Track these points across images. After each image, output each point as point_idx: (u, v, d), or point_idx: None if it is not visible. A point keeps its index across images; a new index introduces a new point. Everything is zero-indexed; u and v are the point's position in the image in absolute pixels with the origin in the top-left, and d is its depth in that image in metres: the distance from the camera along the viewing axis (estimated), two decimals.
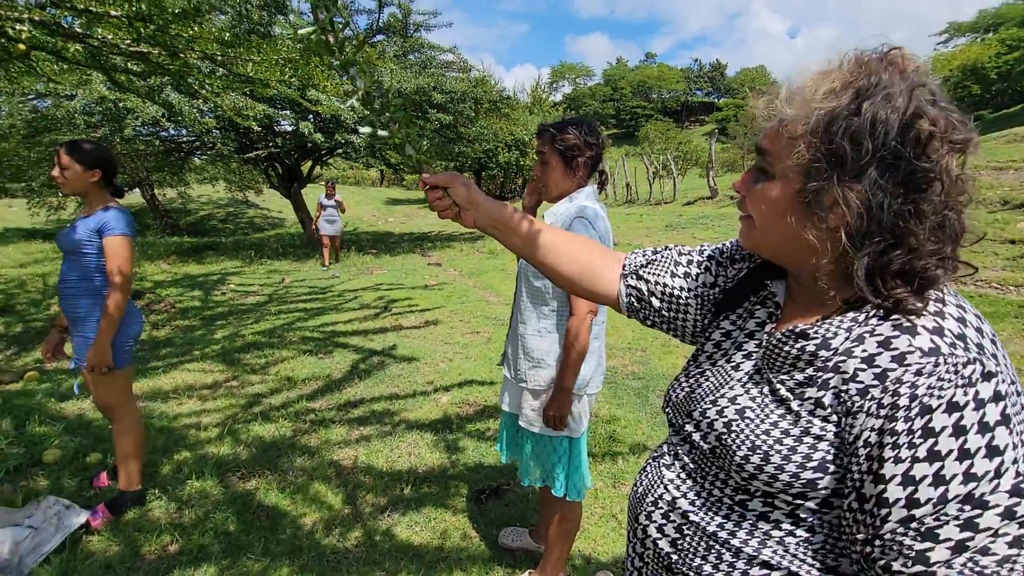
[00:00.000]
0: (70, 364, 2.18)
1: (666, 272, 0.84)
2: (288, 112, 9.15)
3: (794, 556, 0.61)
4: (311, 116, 8.97)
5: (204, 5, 5.99)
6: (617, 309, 0.89)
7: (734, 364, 0.71)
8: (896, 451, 0.51)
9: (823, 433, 0.58)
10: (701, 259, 0.84)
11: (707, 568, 0.66)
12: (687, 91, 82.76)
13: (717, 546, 0.65)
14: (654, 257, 0.88)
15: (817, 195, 0.58)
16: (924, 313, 0.55)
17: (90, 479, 2.48)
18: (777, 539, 0.62)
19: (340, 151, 10.62)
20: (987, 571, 0.48)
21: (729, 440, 0.64)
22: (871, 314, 0.58)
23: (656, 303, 0.84)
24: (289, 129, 9.74)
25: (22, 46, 3.90)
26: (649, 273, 0.86)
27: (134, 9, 3.71)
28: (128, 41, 3.76)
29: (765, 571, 0.62)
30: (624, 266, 0.89)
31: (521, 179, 25.17)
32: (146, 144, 9.29)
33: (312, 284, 7.53)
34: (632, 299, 0.87)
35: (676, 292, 0.83)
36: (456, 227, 15.73)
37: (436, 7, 9.74)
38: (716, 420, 0.67)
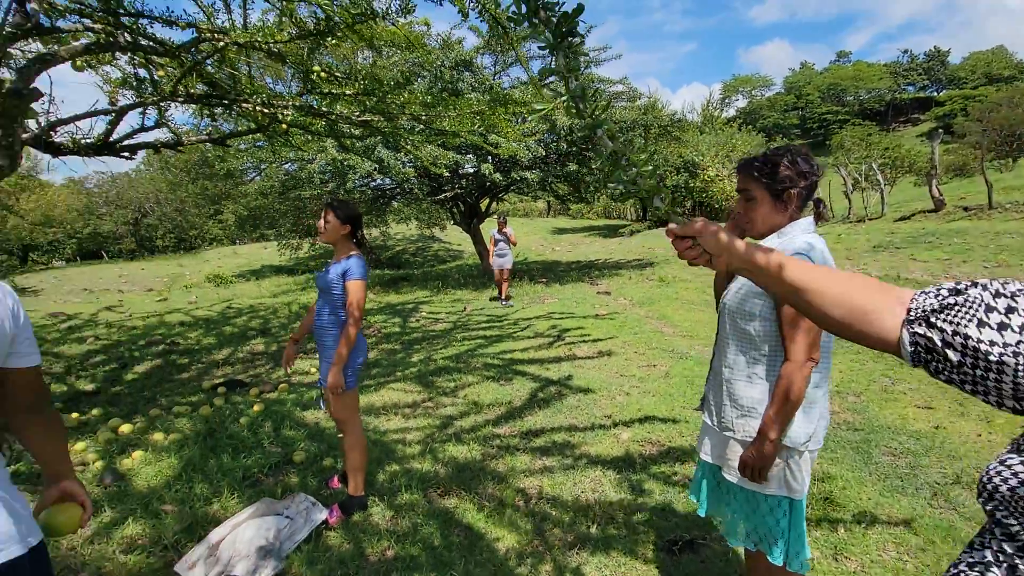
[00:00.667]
0: (317, 383, 2.62)
1: (971, 320, 0.67)
2: (470, 156, 10.13)
3: None
4: (490, 158, 9.79)
5: (410, 75, 6.93)
6: (899, 356, 0.75)
7: None
8: None
9: None
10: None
11: None
12: (894, 87, 70.91)
13: None
14: (954, 300, 0.70)
15: None
16: None
17: (326, 480, 2.94)
18: None
19: (515, 187, 11.35)
20: None
21: None
22: None
23: (954, 357, 0.67)
24: (470, 171, 10.77)
25: (284, 125, 4.97)
26: (945, 321, 0.69)
27: (361, 87, 4.50)
28: (357, 113, 4.56)
29: None
30: (910, 310, 0.74)
31: (690, 201, 23.94)
32: (360, 193, 11.07)
33: (490, 312, 8.07)
34: (919, 350, 0.72)
35: (985, 348, 0.65)
36: (623, 254, 15.54)
37: (602, 39, 9.97)
38: None
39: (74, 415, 3.99)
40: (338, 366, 2.40)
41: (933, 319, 0.70)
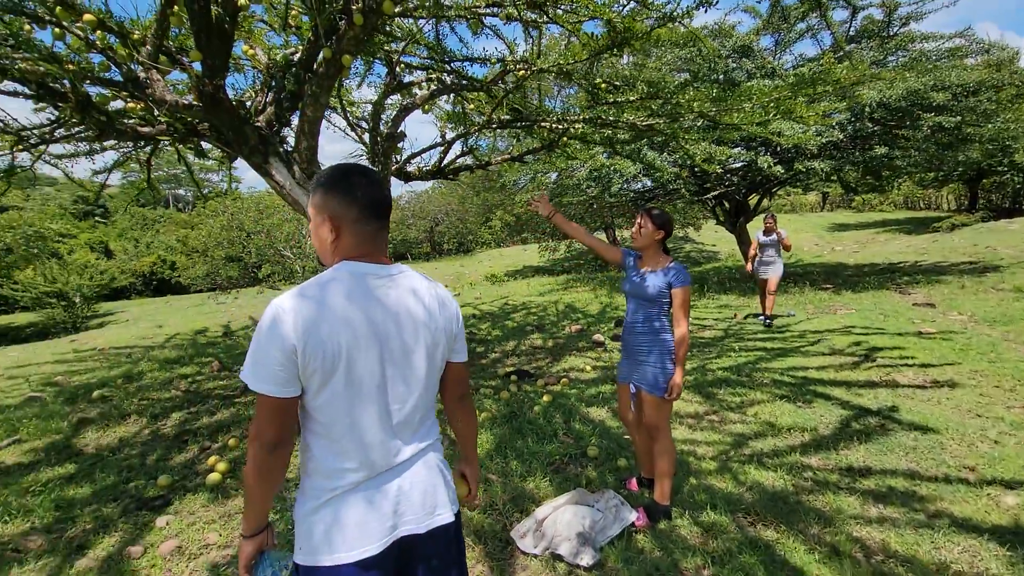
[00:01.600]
0: (631, 388, 2.68)
1: None
2: (739, 149, 9.29)
3: None
4: (766, 150, 8.80)
5: (689, 71, 6.61)
6: None
7: None
8: None
9: None
10: None
11: None
12: None
13: None
14: None
15: None
16: None
17: (623, 480, 3.02)
18: None
19: (792, 180, 9.98)
20: None
21: None
22: None
23: None
24: (740, 165, 9.87)
25: (565, 139, 5.33)
26: None
27: (643, 91, 4.52)
28: (643, 117, 4.59)
29: None
30: None
31: None
32: (620, 196, 11.28)
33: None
34: None
35: None
36: (943, 255, 12.19)
37: None
38: None
39: None
40: (680, 372, 2.45)
41: None
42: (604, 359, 5.87)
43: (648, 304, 2.52)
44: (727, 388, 4.57)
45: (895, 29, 8.45)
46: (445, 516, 1.30)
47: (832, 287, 9.40)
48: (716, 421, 3.90)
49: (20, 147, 4.23)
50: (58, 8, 3.01)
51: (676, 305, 2.44)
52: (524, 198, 12.71)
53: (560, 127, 4.86)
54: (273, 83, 4.06)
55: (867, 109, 7.60)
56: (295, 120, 4.28)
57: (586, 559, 2.30)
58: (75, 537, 2.75)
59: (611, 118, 4.65)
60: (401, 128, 4.59)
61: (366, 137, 5.28)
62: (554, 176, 12.17)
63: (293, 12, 4.01)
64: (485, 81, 4.50)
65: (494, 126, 4.76)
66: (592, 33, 3.84)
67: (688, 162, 7.74)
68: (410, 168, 5.17)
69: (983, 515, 2.46)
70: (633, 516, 2.53)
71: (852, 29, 8.89)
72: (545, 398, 4.53)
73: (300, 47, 3.99)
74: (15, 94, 3.60)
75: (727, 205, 11.36)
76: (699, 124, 6.04)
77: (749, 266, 7.51)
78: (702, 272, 14.34)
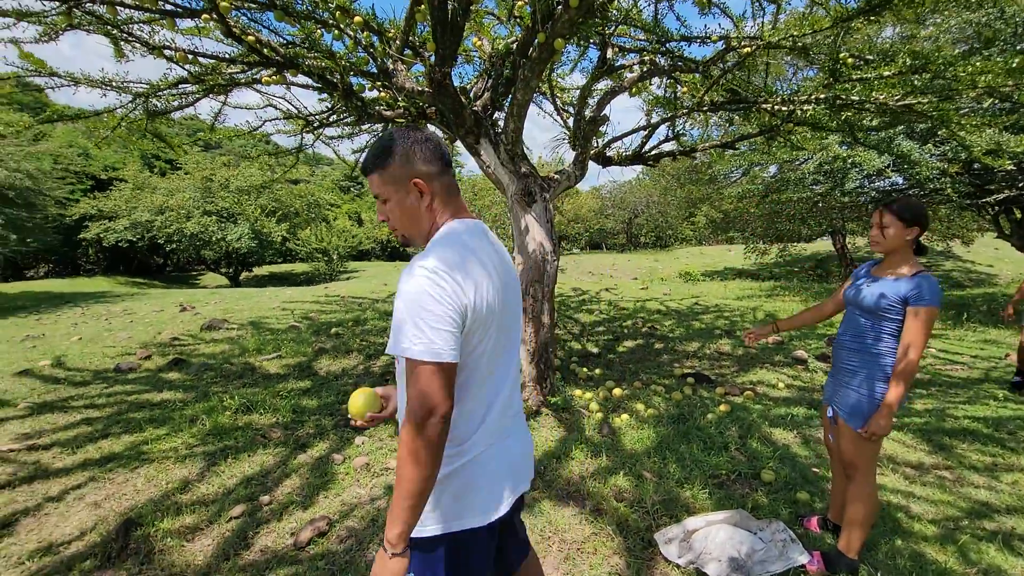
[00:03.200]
0: (829, 411, 2.26)
1: None
2: None
3: None
4: None
5: (996, 40, 5.21)
6: None
7: None
8: None
9: None
10: None
11: None
12: None
13: None
14: None
15: None
16: None
17: (800, 516, 2.61)
18: None
19: None
20: None
21: None
22: None
23: None
24: None
25: (791, 124, 4.66)
26: None
27: (905, 64, 3.68)
28: (897, 96, 3.77)
29: None
30: None
31: None
32: (856, 195, 9.51)
33: None
34: None
35: None
36: None
37: None
38: None
39: (584, 370, 5.08)
40: (890, 406, 1.94)
41: None
42: (804, 379, 5.10)
43: (872, 319, 2.04)
44: (974, 443, 3.58)
45: None
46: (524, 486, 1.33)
47: None
48: (949, 479, 3.09)
49: (307, 129, 5.40)
50: (337, 13, 3.73)
51: (910, 327, 1.90)
52: (734, 192, 11.61)
53: (785, 109, 4.27)
54: (493, 71, 4.42)
55: None
56: (507, 104, 4.61)
57: None
58: (301, 436, 3.49)
59: (854, 97, 3.92)
60: (605, 111, 4.58)
61: (570, 122, 5.42)
62: (773, 169, 10.85)
63: (519, 3, 4.27)
64: (702, 62, 4.20)
65: (704, 108, 4.42)
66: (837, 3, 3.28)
67: (963, 155, 6.14)
68: (610, 153, 5.14)
69: None
70: (804, 559, 2.17)
71: None
72: (722, 407, 4.14)
73: (520, 36, 4.26)
74: (305, 86, 4.59)
75: (1018, 214, 8.70)
76: (985, 105, 4.70)
77: (1010, 309, 5.00)
78: (964, 297, 11.33)
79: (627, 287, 12.09)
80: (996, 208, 8.64)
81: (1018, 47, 6.29)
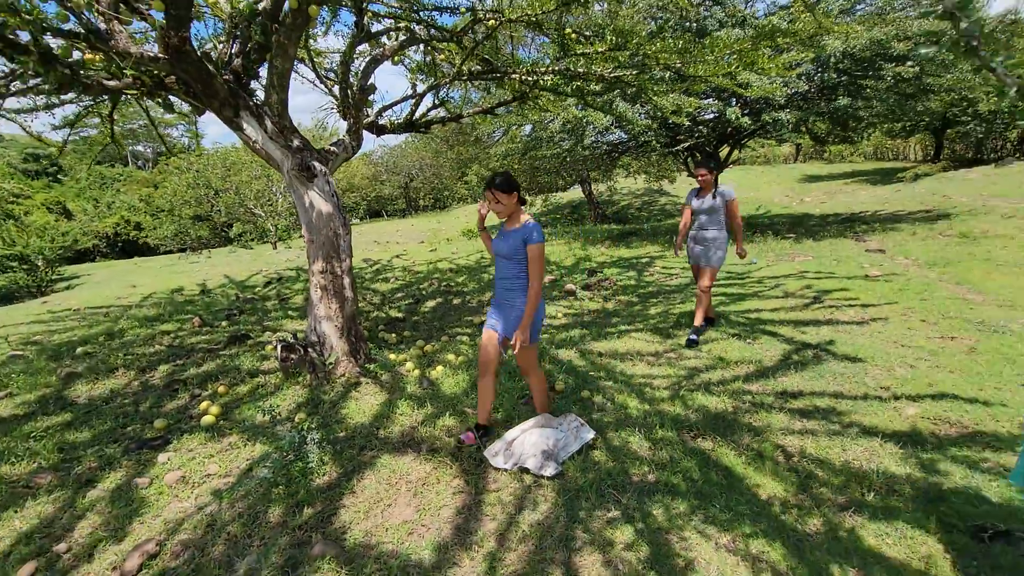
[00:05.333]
0: (498, 336, 2.88)
1: None
2: (709, 101, 9.42)
3: None
4: (735, 101, 8.95)
5: (658, 19, 6.65)
6: None
7: None
8: None
9: None
10: None
11: None
12: None
13: None
14: None
15: None
16: None
17: (460, 438, 3.04)
18: None
19: (761, 131, 10.19)
20: None
21: None
22: None
23: None
24: (711, 117, 10.02)
25: (536, 91, 5.41)
26: None
27: (611, 42, 4.61)
28: (610, 68, 4.71)
29: None
30: None
31: (1016, 133, 17.91)
32: (594, 148, 11.37)
33: (729, 270, 7.63)
34: None
35: None
36: (902, 204, 12.73)
37: None
38: None
39: (393, 335, 5.29)
40: (526, 325, 2.68)
41: None
42: (575, 307, 6.18)
43: (507, 260, 2.72)
44: (686, 329, 4.93)
45: None
46: None
47: (795, 236, 9.82)
48: (673, 358, 4.26)
49: None
50: None
51: (531, 260, 2.62)
52: (499, 151, 12.69)
53: (530, 79, 4.94)
54: (238, 33, 4.04)
55: (832, 59, 7.78)
56: (263, 72, 4.28)
57: (549, 470, 2.64)
58: (83, 474, 2.98)
59: (580, 69, 4.76)
60: (371, 80, 4.62)
61: (336, 90, 5.28)
62: (528, 129, 12.16)
63: None
64: (455, 31, 4.53)
65: (464, 78, 4.82)
66: None
67: (658, 114, 7.87)
68: (382, 121, 5.22)
69: (887, 423, 2.87)
70: (591, 434, 2.87)
71: None
72: None
73: None
74: None
75: (699, 157, 11.57)
76: (667, 76, 6.16)
77: (680, 240, 4.78)
78: (674, 225, 14.68)
79: (416, 251, 12.42)
80: (685, 154, 11.32)
81: (684, 27, 8.22)
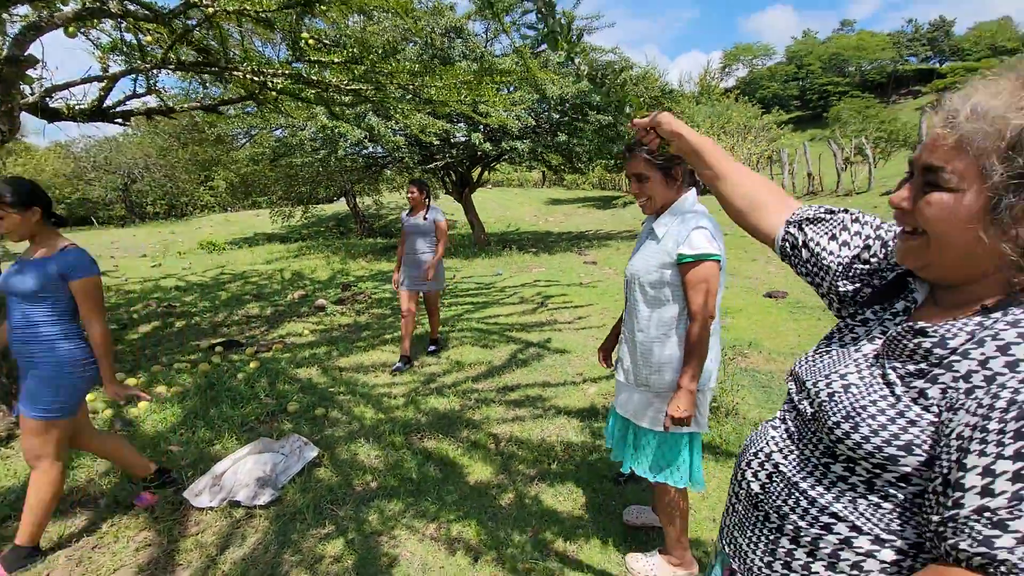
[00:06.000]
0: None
1: (826, 234, 0.90)
2: (462, 125, 10.20)
3: (861, 515, 0.70)
4: (481, 128, 9.86)
5: (400, 41, 6.90)
6: (773, 249, 0.98)
7: (857, 347, 0.79)
8: (984, 445, 0.56)
9: (917, 420, 0.65)
10: (869, 234, 0.88)
11: (785, 509, 0.78)
12: (897, 59, 69.95)
13: (797, 494, 0.77)
14: (825, 216, 0.92)
15: (1011, 208, 0.61)
16: None
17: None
18: (850, 498, 0.71)
19: (505, 157, 11.44)
20: None
21: (828, 408, 0.73)
22: (998, 319, 0.63)
23: (804, 255, 0.92)
24: (462, 140, 10.84)
25: (273, 93, 5.09)
26: (811, 229, 0.92)
27: (349, 55, 4.62)
28: (346, 81, 4.68)
29: (832, 520, 0.72)
30: (792, 214, 0.95)
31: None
32: (352, 161, 11.14)
33: (479, 280, 8.32)
34: (786, 245, 0.94)
35: (824, 255, 0.89)
36: (614, 226, 15.75)
37: (598, 4, 9.91)
38: (823, 391, 0.76)
39: None
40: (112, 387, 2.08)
41: (804, 225, 0.94)
42: (325, 322, 5.92)
43: (36, 301, 2.00)
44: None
45: (574, 38, 10.33)
46: None
47: (535, 250, 11.26)
48: (417, 366, 4.42)
49: None
50: None
51: (86, 303, 2.02)
52: (244, 155, 11.43)
53: (258, 79, 4.57)
54: None
55: (552, 101, 9.22)
56: None
57: (263, 498, 2.45)
58: None
59: (315, 77, 4.61)
60: (30, 52, 3.67)
61: None
62: (280, 133, 11.27)
63: None
64: (162, 11, 3.92)
65: (171, 66, 4.20)
66: None
67: (407, 131, 8.13)
68: (55, 104, 4.18)
69: (575, 403, 3.50)
70: (315, 452, 2.77)
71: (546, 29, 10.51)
72: (252, 365, 4.38)
73: None
74: None
75: (453, 176, 12.36)
76: (408, 96, 6.45)
77: (396, 275, 4.39)
78: None
79: (133, 267, 10.27)
80: (441, 172, 11.96)
81: (430, 53, 8.71)
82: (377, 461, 2.82)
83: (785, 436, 0.83)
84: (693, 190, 1.76)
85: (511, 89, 8.68)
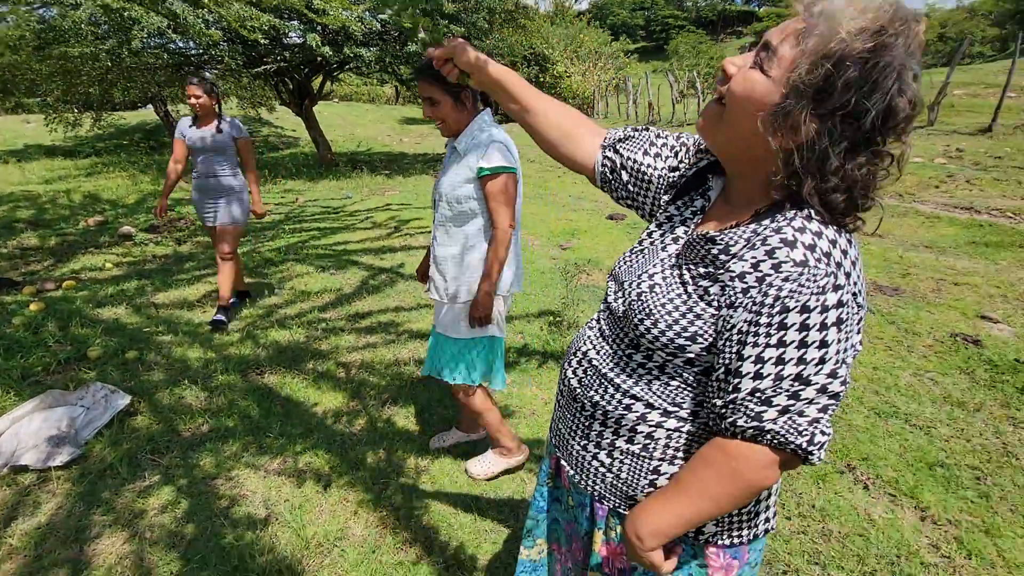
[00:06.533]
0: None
1: (639, 149, 0.93)
2: (296, 23, 8.84)
3: (654, 393, 0.80)
4: (319, 28, 8.67)
5: None
6: (592, 180, 0.99)
7: (663, 246, 0.85)
8: (755, 338, 0.65)
9: (702, 314, 0.73)
10: (674, 143, 0.92)
11: (596, 398, 0.87)
12: None
13: (606, 383, 0.85)
14: (633, 134, 0.95)
15: (788, 112, 0.64)
16: (807, 230, 0.66)
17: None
18: (647, 382, 0.81)
19: (350, 66, 10.32)
20: (800, 427, 0.65)
21: (636, 307, 0.80)
22: (767, 226, 0.69)
23: (625, 177, 0.94)
24: (297, 42, 9.46)
25: None
26: (625, 148, 0.94)
27: None
28: None
29: (632, 401, 0.82)
30: (605, 139, 0.97)
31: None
32: (155, 58, 9.13)
33: (325, 204, 7.67)
34: (606, 170, 0.96)
35: (644, 169, 0.92)
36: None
37: None
38: (633, 291, 0.82)
39: None
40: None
41: (618, 146, 0.95)
42: (134, 253, 5.04)
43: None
44: (272, 267, 4.72)
45: None
46: None
47: (388, 172, 10.65)
48: (254, 296, 4.01)
49: None
50: None
51: None
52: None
53: None
54: None
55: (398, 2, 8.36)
56: None
57: (60, 458, 2.09)
58: None
59: None
60: None
61: None
62: (45, 12, 8.73)
63: None
64: None
65: None
66: None
67: (223, 24, 6.86)
68: None
69: (428, 326, 3.50)
70: (126, 400, 2.41)
71: None
72: (33, 307, 3.60)
73: None
74: None
75: (290, 84, 10.89)
76: None
77: (165, 196, 3.47)
78: (276, 159, 13.69)
79: None
80: (274, 79, 10.43)
81: None
82: (205, 403, 2.56)
83: (598, 334, 0.90)
84: (487, 110, 1.81)
85: None
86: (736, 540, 0.83)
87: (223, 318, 3.42)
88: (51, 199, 7.09)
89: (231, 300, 3.55)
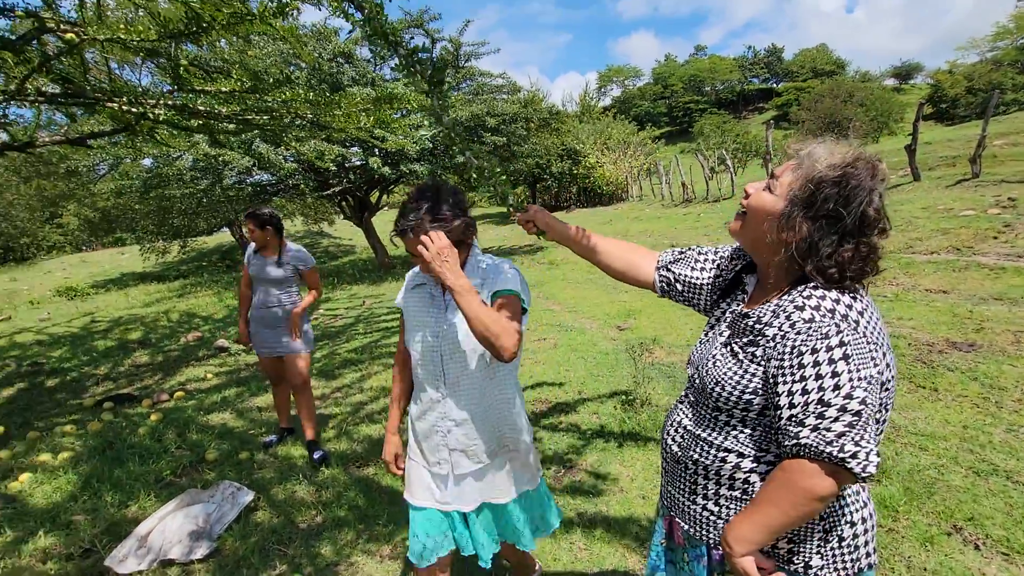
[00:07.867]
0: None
1: (688, 267, 1.26)
2: (357, 149, 10.06)
3: (743, 444, 1.02)
4: (377, 151, 9.81)
5: (287, 66, 6.75)
6: (653, 291, 1.30)
7: (719, 332, 1.11)
8: (784, 377, 0.91)
9: (756, 372, 0.97)
10: (714, 257, 1.24)
11: (696, 456, 1.08)
12: (742, 80, 79.97)
13: (701, 442, 1.07)
14: (680, 256, 1.28)
15: (789, 216, 0.95)
16: (813, 296, 0.93)
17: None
18: (734, 436, 1.03)
19: (404, 180, 11.46)
20: (829, 440, 0.85)
21: (707, 380, 1.05)
22: (786, 300, 0.95)
23: (679, 287, 1.26)
24: (359, 164, 10.68)
25: (148, 123, 4.77)
26: (676, 267, 1.27)
27: (239, 84, 4.48)
28: (238, 111, 4.53)
29: (725, 453, 1.03)
30: (658, 261, 1.30)
31: (576, 187, 25.37)
32: (237, 191, 10.50)
33: (390, 305, 8.24)
34: (664, 285, 1.28)
35: (694, 281, 1.24)
36: (517, 241, 16.31)
37: (481, 31, 10.38)
38: (703, 367, 1.08)
39: None
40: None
41: (670, 266, 1.29)
42: (229, 363, 5.56)
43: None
44: (351, 368, 5.10)
45: (463, 62, 10.70)
46: None
47: None
48: (340, 397, 4.35)
49: None
50: None
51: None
52: (107, 188, 10.30)
53: (135, 111, 4.26)
54: None
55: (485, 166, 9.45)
56: None
57: (200, 552, 2.34)
58: None
59: (202, 108, 4.40)
60: None
61: None
62: (148, 163, 10.32)
63: None
64: (7, 39, 3.54)
65: (30, 98, 3.80)
66: (165, 10, 3.55)
67: (302, 158, 7.91)
68: None
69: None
70: (250, 497, 2.68)
71: (434, 56, 10.76)
72: (153, 417, 4.04)
73: None
74: None
75: (351, 201, 12.10)
76: (303, 123, 6.32)
77: (243, 327, 3.35)
78: (338, 266, 14.84)
79: None
80: (338, 197, 11.66)
81: (319, 78, 8.54)
82: (315, 496, 2.79)
83: (689, 406, 1.15)
84: (474, 241, 1.57)
85: (404, 113, 8.77)
86: (843, 572, 0.97)
87: (323, 452, 3.17)
88: (153, 320, 7.96)
89: (271, 438, 3.43)
